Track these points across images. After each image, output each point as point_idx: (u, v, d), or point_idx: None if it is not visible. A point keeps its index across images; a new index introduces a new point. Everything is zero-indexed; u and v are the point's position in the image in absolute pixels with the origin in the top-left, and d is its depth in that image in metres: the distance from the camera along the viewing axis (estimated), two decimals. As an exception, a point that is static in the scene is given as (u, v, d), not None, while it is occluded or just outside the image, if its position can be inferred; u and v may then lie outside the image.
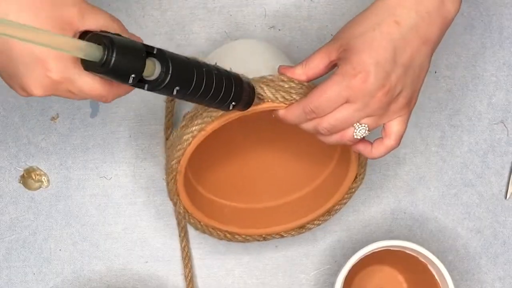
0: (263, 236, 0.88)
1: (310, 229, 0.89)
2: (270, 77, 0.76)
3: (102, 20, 0.65)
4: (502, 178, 0.95)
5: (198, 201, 0.85)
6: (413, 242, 0.85)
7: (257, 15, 0.94)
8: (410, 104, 0.74)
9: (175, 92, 0.65)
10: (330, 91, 0.71)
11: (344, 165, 0.85)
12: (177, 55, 0.65)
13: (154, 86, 0.64)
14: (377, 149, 0.76)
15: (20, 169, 0.92)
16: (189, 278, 0.92)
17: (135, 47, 0.62)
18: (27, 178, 0.92)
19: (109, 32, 0.64)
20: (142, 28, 0.94)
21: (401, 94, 0.72)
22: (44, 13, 0.61)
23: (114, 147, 0.94)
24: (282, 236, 0.88)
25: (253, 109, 0.74)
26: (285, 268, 0.93)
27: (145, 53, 0.63)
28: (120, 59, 0.61)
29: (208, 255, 0.93)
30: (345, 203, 0.87)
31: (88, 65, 0.63)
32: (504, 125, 0.96)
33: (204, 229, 0.86)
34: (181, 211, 0.83)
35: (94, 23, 0.64)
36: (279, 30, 0.94)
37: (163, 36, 0.94)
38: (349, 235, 0.94)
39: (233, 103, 0.70)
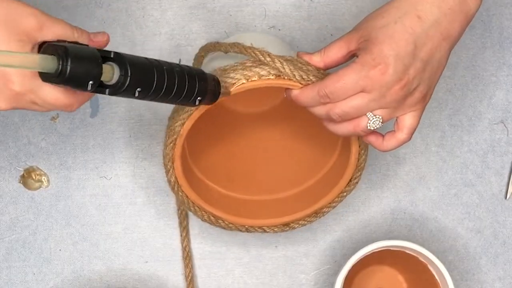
0: (246, 227, 0.87)
1: (294, 228, 0.87)
2: (290, 57, 0.75)
3: (61, 29, 0.65)
4: (502, 178, 0.95)
5: (190, 177, 0.84)
6: (413, 242, 0.85)
7: (257, 15, 0.94)
8: (425, 99, 0.74)
9: (137, 94, 0.65)
10: (348, 78, 0.71)
11: (341, 167, 0.84)
12: (136, 57, 0.66)
13: (115, 90, 0.65)
14: (388, 142, 0.76)
15: (20, 169, 0.92)
16: (189, 278, 0.92)
17: (90, 54, 0.63)
18: (27, 178, 0.92)
19: (65, 41, 0.64)
20: (142, 28, 0.94)
21: (417, 88, 0.72)
22: (1, 26, 0.61)
23: (114, 147, 0.94)
24: (264, 231, 0.87)
25: (268, 83, 0.74)
26: (285, 268, 0.93)
27: (101, 59, 0.63)
28: (75, 68, 0.61)
29: (208, 255, 0.93)
30: (334, 206, 0.86)
31: (45, 77, 0.63)
32: (504, 125, 0.96)
33: (190, 206, 0.85)
34: (172, 180, 0.82)
35: (53, 33, 0.64)
36: (279, 30, 0.94)
37: (163, 36, 0.94)
38: (349, 235, 0.94)
39: (198, 98, 0.70)
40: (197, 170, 0.87)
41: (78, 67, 0.61)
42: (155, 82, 0.66)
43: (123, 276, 0.92)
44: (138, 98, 0.66)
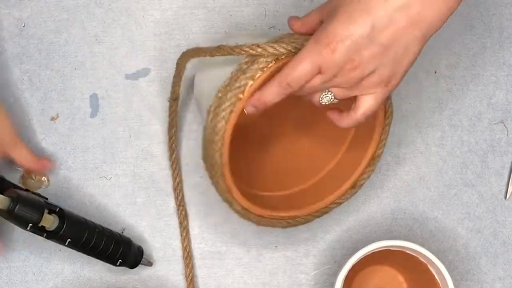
0: (277, 218, 0.86)
1: (331, 209, 0.87)
2: (275, 37, 0.76)
3: (27, 156, 0.86)
4: (502, 178, 0.95)
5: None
6: (413, 242, 0.85)
7: (257, 15, 0.94)
8: (387, 85, 0.72)
9: (67, 243, 0.84)
10: (305, 62, 0.71)
11: (364, 142, 0.85)
12: (76, 215, 0.85)
13: (51, 235, 0.83)
14: (345, 120, 0.76)
15: (20, 169, 0.92)
16: (190, 278, 0.92)
17: (37, 204, 0.81)
18: (27, 178, 0.91)
19: (21, 189, 0.85)
20: (142, 28, 0.94)
21: (375, 72, 0.71)
22: None
23: (114, 147, 0.94)
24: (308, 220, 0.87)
25: (273, 71, 0.74)
26: (285, 268, 0.93)
27: (44, 210, 0.81)
28: (21, 211, 0.80)
29: (208, 255, 0.93)
30: (341, 203, 0.87)
31: None
32: (504, 125, 0.96)
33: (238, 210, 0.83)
34: (225, 187, 0.80)
35: (20, 155, 0.86)
36: (279, 30, 0.94)
37: (163, 36, 0.94)
38: (349, 235, 0.94)
39: (120, 260, 0.87)
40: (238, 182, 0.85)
41: (24, 211, 0.80)
42: (84, 239, 0.84)
43: (123, 276, 0.92)
44: (68, 246, 0.84)
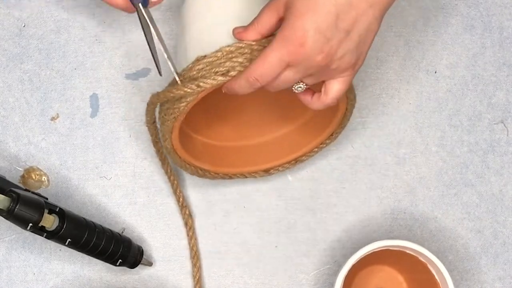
0: (230, 175, 0.90)
1: (272, 174, 0.91)
2: (230, 48, 0.76)
3: None
4: (502, 178, 0.95)
5: (180, 135, 0.85)
6: (413, 242, 0.85)
7: (257, 15, 0.94)
8: (354, 67, 0.74)
9: (67, 243, 0.84)
10: (271, 59, 0.71)
11: (323, 119, 0.87)
12: (76, 215, 0.85)
13: (51, 235, 0.83)
14: (314, 103, 0.77)
15: (20, 169, 0.92)
16: (197, 277, 0.92)
17: (37, 204, 0.81)
18: (27, 178, 0.92)
19: (21, 189, 0.84)
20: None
21: (343, 58, 0.72)
22: None
23: (114, 147, 0.94)
24: (245, 177, 0.91)
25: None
26: (285, 268, 0.93)
27: (44, 210, 0.81)
28: (21, 211, 0.80)
29: (208, 255, 0.93)
30: (312, 155, 0.90)
31: None
32: (504, 125, 0.96)
33: (182, 165, 0.87)
34: (169, 146, 0.84)
35: None
36: (279, 30, 0.94)
37: (163, 36, 0.94)
38: (349, 235, 0.94)
39: (120, 260, 0.87)
40: (187, 126, 0.87)
41: (24, 211, 0.80)
42: (84, 239, 0.84)
43: (123, 276, 0.92)
44: (68, 246, 0.84)
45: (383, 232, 0.94)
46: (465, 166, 0.95)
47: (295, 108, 0.89)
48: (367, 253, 0.84)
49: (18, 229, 0.83)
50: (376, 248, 0.84)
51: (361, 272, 0.92)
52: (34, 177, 0.92)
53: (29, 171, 0.92)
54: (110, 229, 0.88)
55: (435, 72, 0.96)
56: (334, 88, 0.75)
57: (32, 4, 0.94)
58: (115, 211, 0.93)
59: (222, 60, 0.76)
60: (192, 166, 0.88)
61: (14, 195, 0.81)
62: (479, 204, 0.95)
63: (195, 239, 0.93)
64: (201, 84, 0.76)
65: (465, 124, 0.96)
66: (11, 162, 0.92)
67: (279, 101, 0.91)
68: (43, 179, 0.92)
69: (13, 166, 0.92)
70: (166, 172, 0.92)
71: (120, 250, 0.87)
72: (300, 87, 0.75)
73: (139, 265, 0.90)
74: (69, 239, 0.84)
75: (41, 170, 0.92)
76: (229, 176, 0.91)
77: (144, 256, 0.90)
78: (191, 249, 0.92)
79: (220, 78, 0.75)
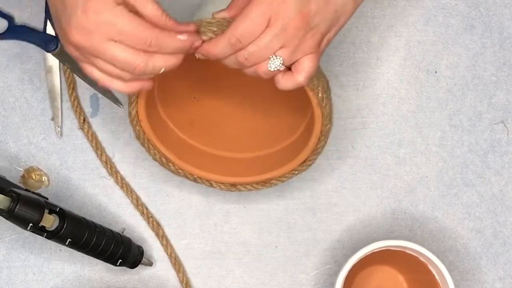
0: (194, 177, 0.88)
1: (240, 190, 0.88)
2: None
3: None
4: (502, 178, 0.95)
5: (152, 113, 0.84)
6: (414, 242, 0.85)
7: None
8: (321, 44, 0.73)
9: (67, 243, 0.84)
10: (253, 13, 0.70)
11: (299, 146, 0.84)
12: (76, 215, 0.85)
13: (51, 235, 0.83)
14: (285, 82, 0.74)
15: (20, 169, 0.92)
16: (184, 282, 0.92)
17: (37, 204, 0.81)
18: (27, 178, 0.92)
19: (21, 189, 0.84)
20: (142, 28, 0.94)
21: (318, 27, 0.72)
22: None
23: (114, 147, 0.94)
24: (211, 185, 0.88)
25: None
26: (285, 268, 0.93)
27: (44, 210, 0.81)
28: (21, 211, 0.80)
29: (208, 255, 0.93)
30: (284, 181, 0.87)
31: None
32: (504, 125, 0.96)
33: (144, 142, 0.85)
34: (133, 113, 0.82)
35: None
36: (279, 30, 0.94)
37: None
38: (349, 235, 0.94)
39: (120, 260, 0.87)
40: (162, 108, 0.86)
41: (24, 211, 0.80)
42: (84, 239, 0.84)
43: (123, 276, 0.92)
44: (68, 246, 0.85)
45: (384, 232, 0.94)
46: (466, 166, 0.95)
47: (274, 136, 0.88)
48: (368, 253, 0.84)
49: (18, 229, 0.83)
50: (377, 248, 0.84)
51: (362, 272, 0.92)
52: (34, 177, 0.92)
53: (29, 171, 0.92)
54: (110, 229, 0.88)
55: (436, 72, 0.96)
56: (306, 65, 0.73)
57: (32, 4, 0.94)
58: (115, 211, 0.93)
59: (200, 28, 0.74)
60: (155, 149, 0.86)
61: (14, 195, 0.81)
62: (480, 204, 0.95)
63: (171, 246, 0.93)
64: None
65: (465, 124, 0.96)
66: (11, 162, 0.92)
67: (259, 126, 0.90)
68: (43, 179, 0.92)
69: (13, 166, 0.92)
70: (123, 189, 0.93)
71: (121, 250, 0.87)
72: (275, 61, 0.72)
73: (140, 265, 0.90)
74: (69, 239, 0.84)
75: (41, 170, 0.92)
76: (194, 178, 0.88)
77: (144, 256, 0.90)
78: (170, 256, 0.92)
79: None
